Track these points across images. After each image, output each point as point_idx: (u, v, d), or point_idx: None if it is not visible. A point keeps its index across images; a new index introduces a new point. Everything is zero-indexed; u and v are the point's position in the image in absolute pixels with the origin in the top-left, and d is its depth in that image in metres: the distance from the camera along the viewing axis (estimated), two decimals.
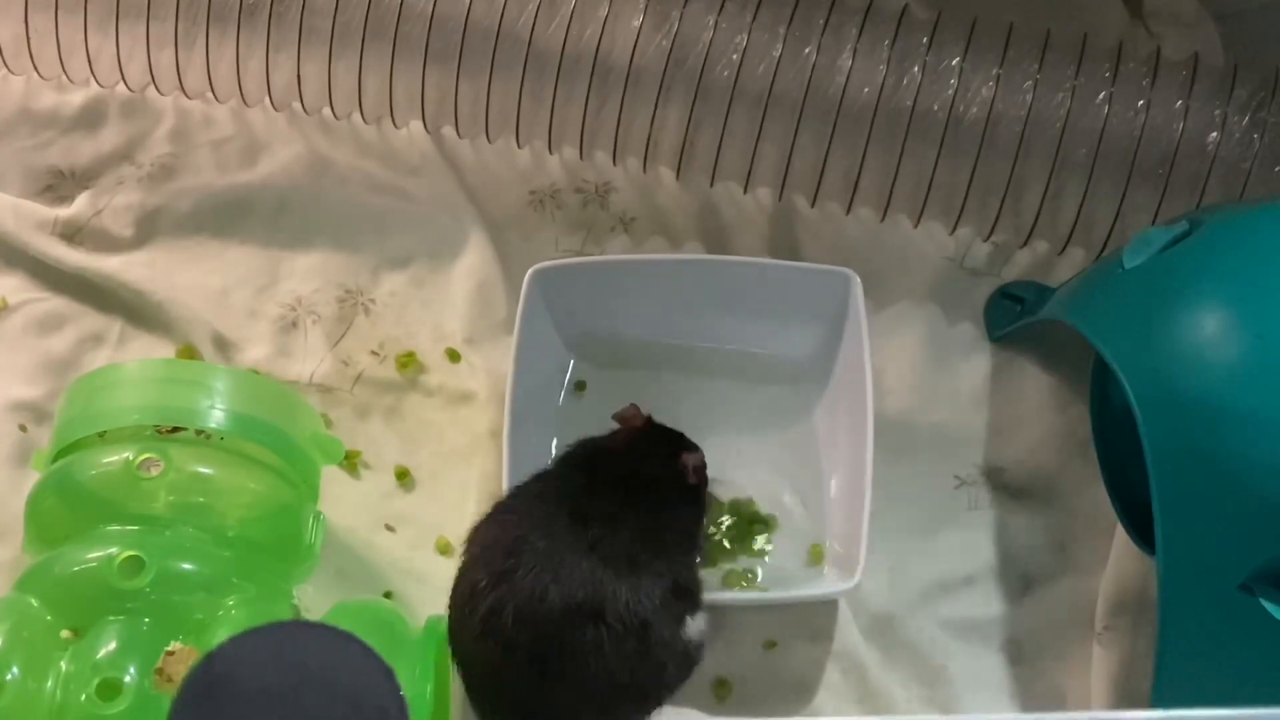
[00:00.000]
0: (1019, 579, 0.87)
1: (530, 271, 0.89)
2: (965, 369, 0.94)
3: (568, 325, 0.91)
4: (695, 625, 0.77)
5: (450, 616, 0.76)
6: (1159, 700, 0.75)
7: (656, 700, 0.77)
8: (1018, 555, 0.88)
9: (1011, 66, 0.90)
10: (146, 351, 0.94)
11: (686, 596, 0.77)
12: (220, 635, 0.71)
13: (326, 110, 1.01)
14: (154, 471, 0.76)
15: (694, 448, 0.82)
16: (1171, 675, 0.74)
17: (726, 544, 0.86)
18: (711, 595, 0.80)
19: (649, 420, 0.83)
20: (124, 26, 0.96)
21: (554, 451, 0.89)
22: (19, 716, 0.69)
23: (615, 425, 0.83)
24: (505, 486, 0.82)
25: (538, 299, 0.89)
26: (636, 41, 0.91)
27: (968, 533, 0.89)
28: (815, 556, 0.86)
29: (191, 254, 0.98)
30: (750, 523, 0.87)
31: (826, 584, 0.84)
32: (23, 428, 0.91)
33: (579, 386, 0.92)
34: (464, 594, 0.75)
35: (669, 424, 0.83)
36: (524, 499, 0.79)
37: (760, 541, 0.86)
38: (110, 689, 0.70)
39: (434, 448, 0.91)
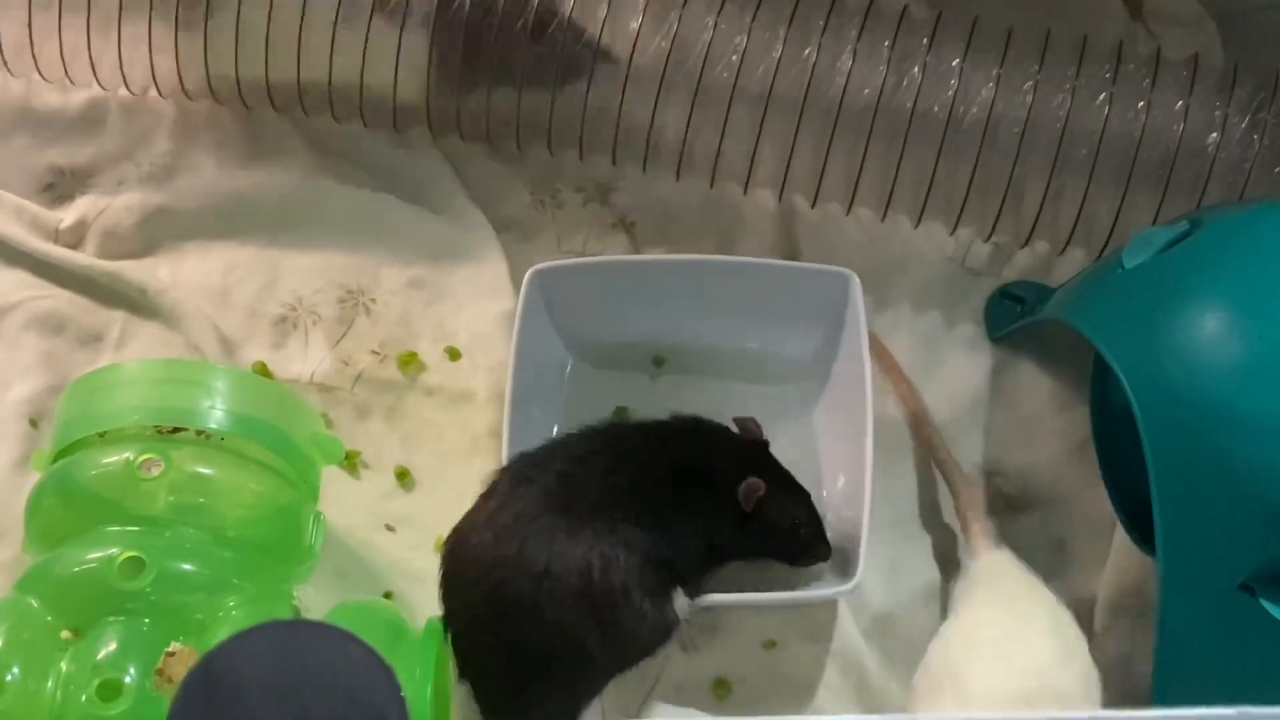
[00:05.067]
0: None
1: (530, 271, 0.89)
2: (965, 369, 0.94)
3: (567, 325, 0.91)
4: (680, 603, 0.77)
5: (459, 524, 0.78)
6: (1159, 700, 0.75)
7: (616, 668, 0.78)
8: (1018, 555, 0.88)
9: (1011, 67, 0.90)
10: (147, 351, 0.94)
11: (670, 570, 0.77)
12: (220, 636, 0.71)
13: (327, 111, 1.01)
14: (154, 472, 0.76)
15: (766, 474, 0.81)
16: (1171, 675, 0.75)
17: None
18: (710, 596, 0.80)
19: (763, 441, 0.83)
20: (124, 28, 0.96)
21: None
22: (19, 717, 0.69)
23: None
24: None
25: (537, 299, 0.89)
26: (636, 41, 0.91)
27: None
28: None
29: (192, 253, 0.98)
30: None
31: (825, 585, 0.84)
32: (34, 422, 0.90)
33: (579, 386, 0.92)
34: (482, 491, 0.79)
35: None
36: (581, 439, 0.81)
37: None
38: (110, 690, 0.70)
39: (434, 448, 0.91)
